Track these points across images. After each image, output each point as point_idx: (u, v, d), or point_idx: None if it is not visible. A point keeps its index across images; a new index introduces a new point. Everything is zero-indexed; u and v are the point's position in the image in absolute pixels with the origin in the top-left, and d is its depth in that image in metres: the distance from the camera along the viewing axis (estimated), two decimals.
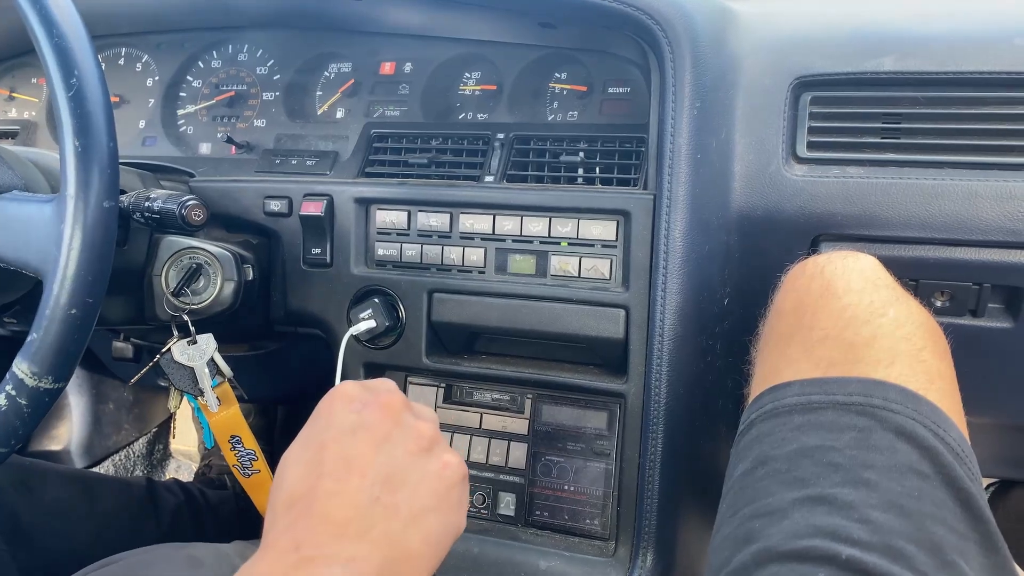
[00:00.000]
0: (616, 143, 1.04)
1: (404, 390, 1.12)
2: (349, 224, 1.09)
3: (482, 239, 1.04)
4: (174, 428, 1.18)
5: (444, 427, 1.10)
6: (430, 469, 0.64)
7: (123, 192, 0.92)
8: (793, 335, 0.71)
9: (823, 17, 1.03)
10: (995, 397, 1.03)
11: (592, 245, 1.00)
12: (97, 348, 1.40)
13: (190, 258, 0.98)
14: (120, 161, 0.76)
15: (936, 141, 0.91)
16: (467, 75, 1.20)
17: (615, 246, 0.99)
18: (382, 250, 1.08)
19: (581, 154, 1.04)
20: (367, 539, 0.57)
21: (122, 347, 1.16)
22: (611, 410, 1.03)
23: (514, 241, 1.03)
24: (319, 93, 1.26)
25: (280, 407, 1.77)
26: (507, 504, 1.06)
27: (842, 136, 0.94)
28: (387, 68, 1.23)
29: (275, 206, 1.11)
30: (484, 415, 1.09)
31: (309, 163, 1.17)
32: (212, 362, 1.00)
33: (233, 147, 1.27)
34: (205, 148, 1.31)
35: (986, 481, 1.41)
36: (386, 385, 0.72)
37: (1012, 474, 1.46)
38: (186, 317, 0.99)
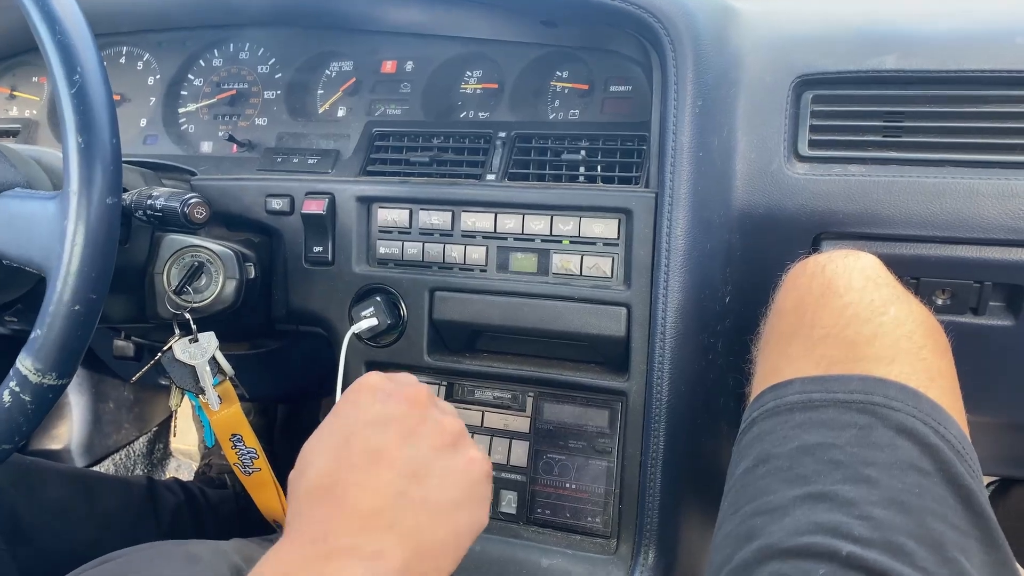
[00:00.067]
0: (618, 141, 1.04)
1: None
2: (351, 222, 1.09)
3: (484, 237, 1.04)
4: (175, 427, 1.18)
5: None
6: (456, 464, 0.64)
7: (125, 190, 0.92)
8: (794, 333, 0.71)
9: (825, 15, 1.03)
10: (995, 395, 1.03)
11: (594, 243, 1.00)
12: (97, 347, 1.40)
13: (192, 256, 0.99)
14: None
15: (938, 139, 0.91)
16: (468, 74, 1.20)
17: (617, 244, 0.99)
18: (384, 248, 1.08)
19: (583, 152, 1.04)
20: (393, 532, 0.57)
21: (123, 345, 1.16)
22: (613, 408, 1.03)
23: (516, 239, 1.03)
24: (320, 92, 1.26)
25: (280, 406, 1.77)
26: (509, 502, 1.06)
27: (844, 134, 0.94)
28: (388, 67, 1.23)
29: (277, 204, 1.11)
30: (486, 413, 1.09)
31: (311, 161, 1.17)
32: (213, 360, 1.00)
33: (235, 145, 1.27)
34: (206, 146, 1.31)
35: (986, 480, 1.41)
36: (410, 379, 0.72)
37: (1012, 472, 1.46)
38: (188, 315, 0.99)
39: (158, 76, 1.36)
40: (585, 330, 1.00)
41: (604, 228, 0.99)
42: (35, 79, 1.44)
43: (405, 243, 1.07)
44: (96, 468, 1.78)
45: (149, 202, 0.91)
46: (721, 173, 0.96)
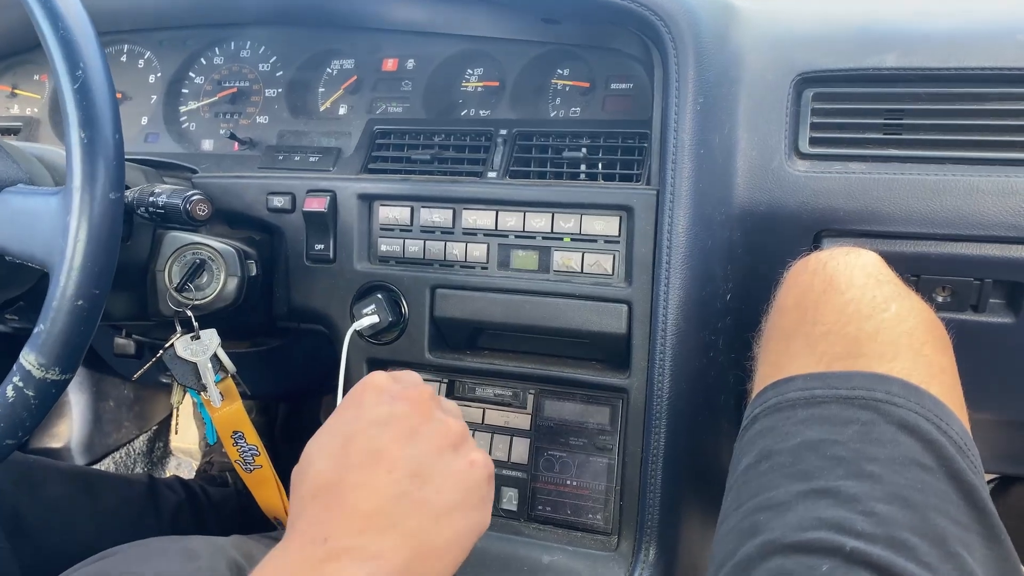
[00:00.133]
0: (619, 139, 1.04)
1: None
2: (352, 220, 1.09)
3: (485, 235, 1.04)
4: (176, 424, 1.17)
5: None
6: (457, 466, 0.64)
7: (127, 188, 0.92)
8: (796, 330, 0.71)
9: (825, 14, 1.03)
10: (996, 392, 1.03)
11: (595, 241, 1.00)
12: (98, 345, 1.40)
13: (193, 254, 0.99)
14: None
15: (938, 137, 0.91)
16: (469, 71, 1.20)
17: (618, 242, 0.99)
18: (385, 246, 1.09)
19: (584, 150, 1.04)
20: (394, 533, 0.57)
21: (124, 343, 1.17)
22: (613, 405, 1.03)
23: (517, 237, 1.03)
24: (322, 90, 1.27)
25: (282, 403, 1.77)
26: (510, 499, 1.06)
27: (844, 132, 0.94)
28: (389, 65, 1.23)
29: (278, 202, 1.12)
30: (487, 410, 1.09)
31: (312, 159, 1.17)
32: (215, 357, 1.00)
33: (236, 143, 1.27)
34: (207, 144, 1.31)
35: (986, 477, 1.41)
36: (414, 378, 0.72)
37: (1012, 470, 1.46)
38: (189, 313, 0.99)
39: (159, 74, 1.36)
40: (586, 327, 1.00)
41: (605, 225, 0.99)
42: (36, 77, 1.45)
43: (406, 241, 1.07)
44: (96, 466, 1.79)
45: (151, 199, 0.91)
46: (722, 171, 0.96)
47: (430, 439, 0.64)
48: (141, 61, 1.38)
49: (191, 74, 1.35)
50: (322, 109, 1.26)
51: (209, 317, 1.01)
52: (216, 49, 1.34)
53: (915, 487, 0.56)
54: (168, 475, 1.76)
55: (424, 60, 1.22)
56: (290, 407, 1.77)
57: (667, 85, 0.97)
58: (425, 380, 1.10)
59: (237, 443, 1.06)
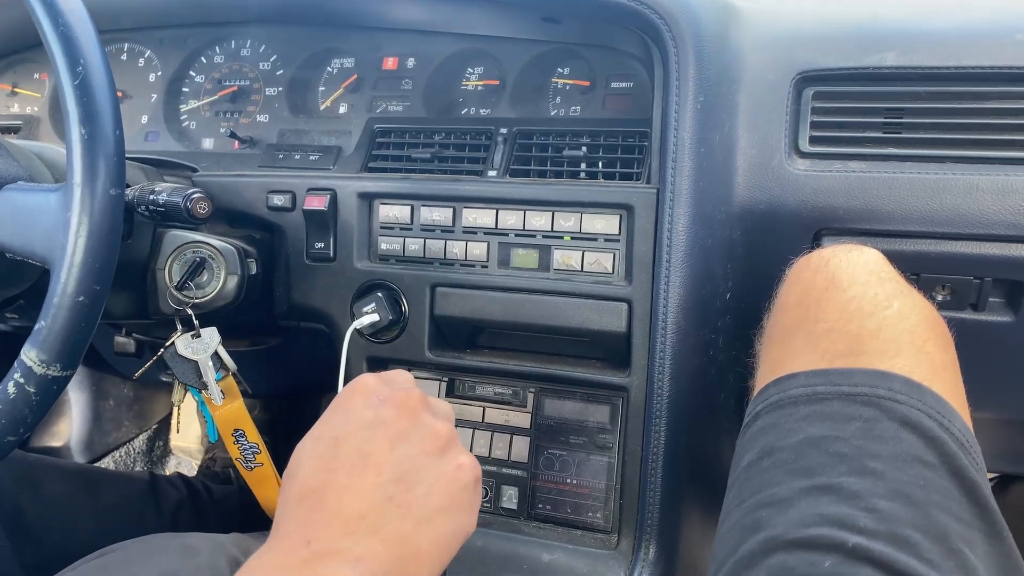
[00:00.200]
0: (619, 138, 1.04)
1: None
2: (352, 218, 1.09)
3: (485, 233, 1.04)
4: (177, 423, 1.17)
5: None
6: (444, 470, 0.64)
7: (127, 186, 0.92)
8: (798, 328, 0.71)
9: (825, 12, 1.03)
10: (995, 391, 1.03)
11: (595, 239, 1.00)
12: (98, 344, 1.40)
13: (194, 252, 0.99)
14: None
15: (938, 136, 0.92)
16: (470, 70, 1.20)
17: (618, 240, 0.99)
18: (385, 244, 1.09)
19: (584, 148, 1.04)
20: (378, 537, 0.57)
21: (124, 342, 1.17)
22: (613, 404, 1.03)
23: (517, 235, 1.03)
24: (322, 88, 1.27)
25: (284, 401, 1.77)
26: (510, 497, 1.06)
27: (844, 131, 0.95)
28: (390, 63, 1.23)
29: (278, 201, 1.12)
30: (487, 409, 1.09)
31: (312, 158, 1.18)
32: (216, 355, 1.01)
33: (236, 142, 1.27)
34: (208, 143, 1.31)
35: (987, 475, 1.41)
36: (404, 378, 0.72)
37: (1012, 469, 1.46)
38: (190, 311, 0.99)
39: (159, 73, 1.36)
40: (586, 326, 1.00)
41: (605, 224, 0.99)
42: (36, 76, 1.44)
43: (406, 239, 1.07)
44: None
45: (152, 197, 0.91)
46: (722, 169, 0.96)
47: (418, 443, 0.63)
48: (141, 60, 1.38)
49: (191, 73, 1.35)
50: (322, 108, 1.26)
51: (209, 315, 1.01)
52: (216, 48, 1.34)
53: (917, 484, 0.56)
54: (169, 473, 1.76)
55: (424, 59, 1.22)
56: (292, 404, 1.77)
57: (667, 84, 0.97)
58: (425, 379, 1.11)
59: (238, 441, 1.06)
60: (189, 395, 1.04)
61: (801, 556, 0.53)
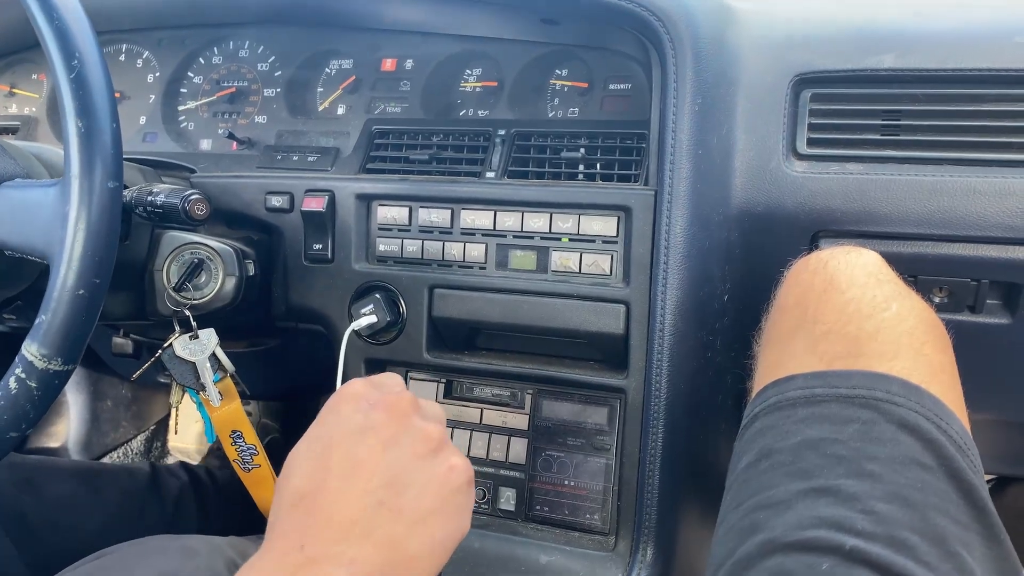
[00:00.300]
0: (617, 139, 1.04)
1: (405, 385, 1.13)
2: (350, 220, 1.09)
3: (483, 235, 1.04)
4: (174, 424, 1.18)
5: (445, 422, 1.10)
6: (436, 472, 0.64)
7: (125, 187, 0.92)
8: (796, 330, 0.71)
9: (823, 14, 1.03)
10: (993, 393, 1.03)
11: (593, 241, 1.00)
12: (96, 344, 1.40)
13: (192, 253, 0.99)
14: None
15: (936, 138, 0.92)
16: (468, 72, 1.20)
17: (616, 242, 0.99)
18: (383, 246, 1.09)
19: (582, 150, 1.04)
20: (370, 541, 0.57)
21: (122, 343, 1.16)
22: (611, 405, 1.03)
23: (515, 237, 1.03)
24: (320, 89, 1.27)
25: (285, 404, 1.77)
26: (507, 499, 1.06)
27: (842, 133, 0.95)
28: (388, 65, 1.23)
29: (276, 202, 1.12)
30: (484, 410, 1.09)
31: (310, 159, 1.17)
32: (214, 357, 1.00)
33: (234, 143, 1.27)
34: (206, 144, 1.31)
35: (985, 477, 1.42)
36: (394, 381, 0.72)
37: (1010, 470, 1.46)
38: (187, 312, 0.99)
39: (157, 74, 1.36)
40: (584, 327, 1.00)
41: (603, 226, 0.99)
42: (34, 76, 1.44)
43: (404, 240, 1.07)
44: None
45: (149, 198, 0.91)
46: (720, 171, 0.96)
47: (408, 446, 0.64)
48: (139, 61, 1.37)
49: (189, 74, 1.35)
50: (320, 109, 1.26)
51: (207, 317, 1.01)
52: (215, 49, 1.34)
53: (915, 486, 0.56)
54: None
55: (423, 60, 1.22)
56: (289, 406, 1.77)
57: (665, 86, 0.97)
58: (423, 380, 1.11)
59: (236, 442, 1.06)
60: (187, 396, 1.04)
61: (798, 558, 0.53)
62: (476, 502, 1.07)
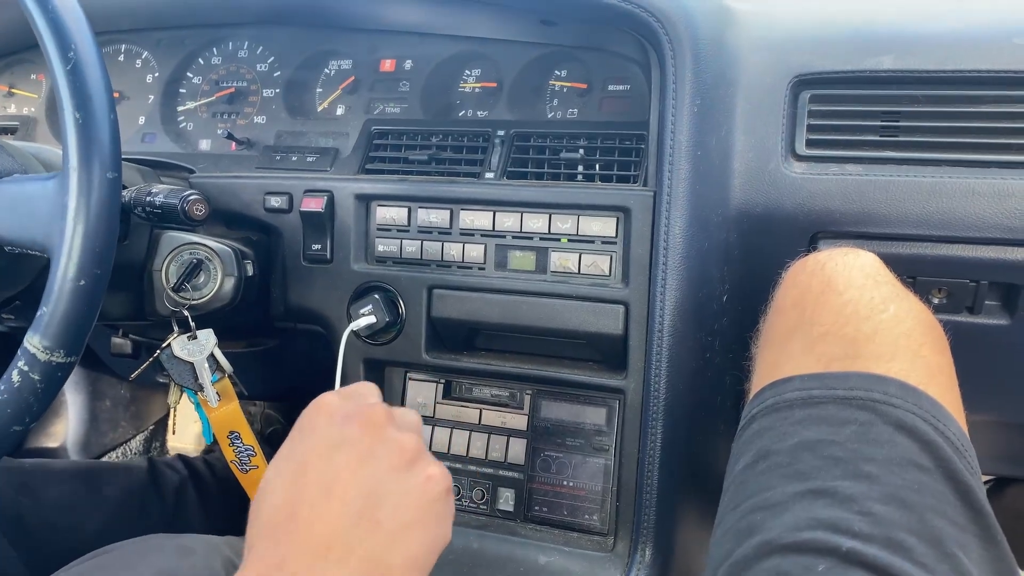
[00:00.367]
0: (616, 140, 1.04)
1: (404, 386, 1.13)
2: (349, 220, 1.09)
3: (482, 235, 1.04)
4: (173, 424, 1.18)
5: (443, 423, 1.10)
6: (413, 484, 0.63)
7: (123, 187, 0.92)
8: (794, 331, 0.71)
9: (822, 16, 1.03)
10: (991, 394, 1.03)
11: (592, 241, 1.00)
12: (95, 344, 1.40)
13: (190, 253, 0.99)
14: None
15: (934, 139, 0.92)
16: (467, 72, 1.20)
17: (615, 242, 0.99)
18: (382, 246, 1.09)
19: (581, 151, 1.04)
20: (351, 557, 0.57)
21: (121, 343, 1.16)
22: (610, 406, 1.03)
23: (514, 237, 1.03)
24: (319, 90, 1.27)
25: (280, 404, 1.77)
26: (506, 499, 1.06)
27: (841, 134, 0.95)
28: (387, 65, 1.23)
29: (275, 202, 1.12)
30: (483, 411, 1.09)
31: (309, 159, 1.17)
32: (212, 357, 1.00)
33: (233, 143, 1.27)
34: (205, 144, 1.31)
35: (983, 478, 1.42)
36: (367, 390, 0.71)
37: (1008, 471, 1.46)
38: (186, 312, 0.99)
39: (157, 74, 1.36)
40: (583, 328, 1.00)
41: (602, 226, 0.99)
42: (33, 77, 1.44)
43: (403, 241, 1.07)
44: None
45: (148, 199, 0.91)
46: (719, 172, 0.96)
47: (384, 459, 0.62)
48: (139, 61, 1.38)
49: (189, 74, 1.35)
50: (320, 109, 1.26)
51: (206, 317, 1.01)
52: (214, 49, 1.34)
53: (912, 488, 0.56)
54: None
55: (422, 61, 1.22)
56: (290, 406, 1.77)
57: (664, 87, 0.97)
58: (422, 380, 1.11)
59: (233, 443, 1.06)
60: (185, 396, 1.04)
61: (795, 560, 0.53)
62: (475, 502, 1.07)
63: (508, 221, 1.03)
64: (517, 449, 1.06)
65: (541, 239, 1.02)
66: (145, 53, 1.37)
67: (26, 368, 0.70)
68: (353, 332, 1.06)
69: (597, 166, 1.04)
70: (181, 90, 1.35)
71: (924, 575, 0.50)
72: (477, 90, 1.19)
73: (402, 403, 1.13)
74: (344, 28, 1.27)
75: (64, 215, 0.70)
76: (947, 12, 0.98)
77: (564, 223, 1.01)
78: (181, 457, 1.38)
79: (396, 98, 1.21)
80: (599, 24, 1.07)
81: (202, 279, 0.99)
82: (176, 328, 1.00)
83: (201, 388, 1.00)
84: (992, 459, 1.34)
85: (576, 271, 1.00)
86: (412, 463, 0.64)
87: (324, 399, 0.67)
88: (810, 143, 0.95)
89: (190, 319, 0.99)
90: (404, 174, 1.11)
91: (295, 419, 0.68)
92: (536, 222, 1.02)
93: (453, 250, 1.05)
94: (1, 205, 0.78)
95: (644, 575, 0.94)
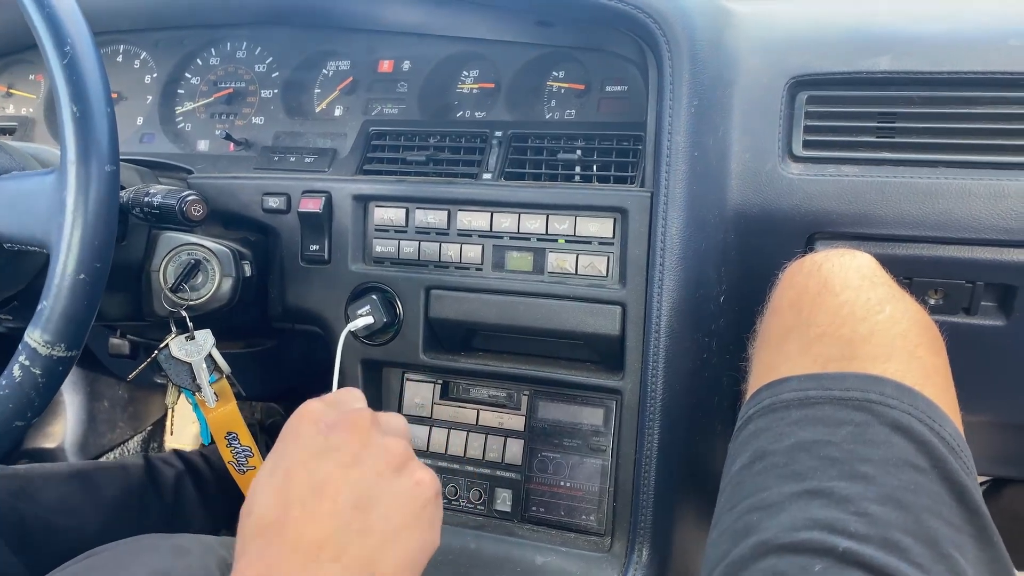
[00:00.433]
0: (613, 141, 1.05)
1: (401, 387, 1.13)
2: (347, 221, 1.09)
3: (480, 236, 1.05)
4: (171, 425, 1.18)
5: (441, 423, 1.10)
6: (402, 488, 0.62)
7: (122, 188, 0.92)
8: (790, 332, 0.72)
9: (819, 17, 1.04)
10: (987, 395, 1.03)
11: (589, 242, 1.00)
12: (93, 345, 1.40)
13: (188, 254, 0.99)
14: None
15: (931, 140, 0.92)
16: (465, 73, 1.20)
17: (612, 243, 0.99)
18: (380, 247, 1.09)
19: (578, 152, 1.04)
20: (340, 564, 0.56)
21: (119, 343, 1.16)
22: (607, 406, 1.03)
23: (511, 238, 1.03)
24: (317, 91, 1.27)
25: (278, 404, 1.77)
26: (504, 500, 1.06)
27: (838, 135, 0.95)
28: (385, 66, 1.23)
29: (274, 203, 1.12)
30: (481, 411, 1.09)
31: (307, 160, 1.18)
32: (210, 358, 1.01)
33: (231, 144, 1.27)
34: (203, 145, 1.31)
35: (979, 479, 1.42)
36: (352, 396, 0.71)
37: (1005, 472, 1.46)
38: (184, 313, 0.99)
39: (155, 75, 1.36)
40: (580, 328, 1.00)
41: (600, 227, 1.00)
42: (32, 77, 1.44)
43: (401, 242, 1.07)
44: None
45: (146, 199, 0.91)
46: (716, 173, 0.96)
47: (372, 464, 0.62)
48: (137, 61, 1.38)
49: (187, 75, 1.35)
50: (318, 110, 1.26)
51: (204, 317, 1.01)
52: (212, 50, 1.34)
53: (908, 488, 0.56)
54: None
55: (420, 62, 1.22)
56: (289, 407, 1.77)
57: (662, 88, 0.97)
58: (420, 381, 1.11)
59: (231, 444, 1.06)
60: (183, 397, 1.04)
61: (792, 560, 0.53)
62: (472, 503, 1.07)
63: (506, 222, 1.03)
64: (514, 450, 1.06)
65: (538, 240, 1.02)
66: (143, 54, 1.37)
67: (27, 363, 0.70)
68: (351, 333, 1.06)
69: (594, 167, 1.04)
70: (179, 91, 1.35)
71: (920, 575, 0.51)
72: (475, 91, 1.19)
73: (400, 404, 1.13)
74: (342, 29, 1.27)
75: (63, 210, 0.71)
76: (943, 13, 0.99)
77: (561, 224, 1.01)
78: (177, 452, 1.38)
79: (394, 99, 1.21)
80: (596, 25, 1.07)
81: (200, 280, 0.99)
82: (174, 329, 1.00)
83: (199, 389, 1.00)
84: (988, 460, 1.35)
85: (573, 272, 1.01)
86: (400, 467, 0.63)
87: (308, 406, 0.66)
88: (807, 144, 0.95)
89: (188, 320, 0.99)
90: (402, 175, 1.11)
91: (295, 408, 0.67)
92: (533, 223, 1.02)
93: (451, 251, 1.05)
94: (0, 202, 0.78)
95: (641, 575, 0.95)
